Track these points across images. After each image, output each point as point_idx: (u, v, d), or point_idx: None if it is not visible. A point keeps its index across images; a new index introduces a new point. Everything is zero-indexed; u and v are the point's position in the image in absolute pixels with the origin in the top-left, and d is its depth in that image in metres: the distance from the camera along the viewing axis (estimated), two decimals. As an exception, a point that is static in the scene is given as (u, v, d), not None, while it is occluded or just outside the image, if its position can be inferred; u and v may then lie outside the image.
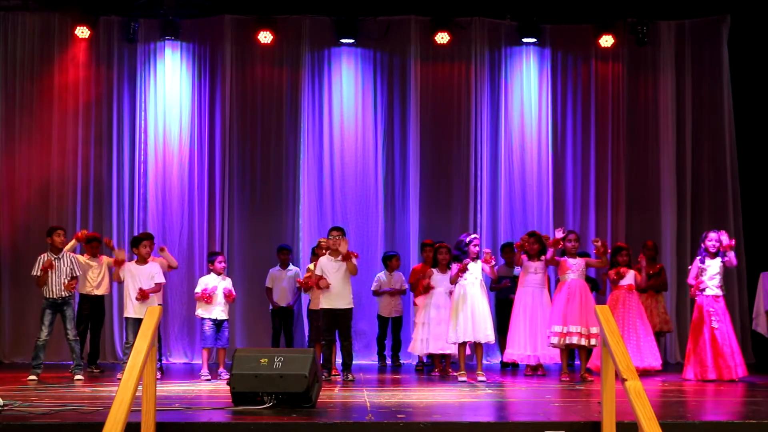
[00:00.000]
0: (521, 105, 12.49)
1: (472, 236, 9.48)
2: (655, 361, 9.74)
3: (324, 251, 9.64)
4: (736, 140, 12.31)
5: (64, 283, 9.26)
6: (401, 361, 11.35)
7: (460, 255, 9.33)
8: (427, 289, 9.87)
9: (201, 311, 9.75)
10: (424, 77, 12.37)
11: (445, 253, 9.76)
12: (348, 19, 12.15)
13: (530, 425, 5.80)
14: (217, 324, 9.65)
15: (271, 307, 11.33)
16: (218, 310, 9.67)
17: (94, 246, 10.64)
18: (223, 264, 9.90)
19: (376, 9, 12.25)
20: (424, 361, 10.78)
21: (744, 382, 9.07)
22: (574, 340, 9.27)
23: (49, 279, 9.22)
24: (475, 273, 9.26)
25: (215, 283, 9.74)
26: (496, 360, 11.42)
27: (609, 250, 9.99)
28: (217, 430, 5.68)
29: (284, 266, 11.37)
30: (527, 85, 12.50)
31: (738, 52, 12.33)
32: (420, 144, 12.29)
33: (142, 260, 9.59)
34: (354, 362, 9.51)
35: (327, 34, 12.30)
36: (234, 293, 9.88)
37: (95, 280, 10.50)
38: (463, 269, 9.19)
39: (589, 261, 9.83)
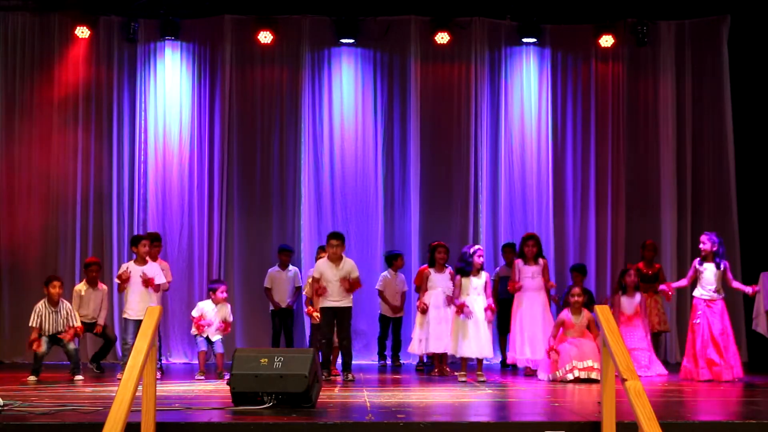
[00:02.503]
0: (521, 105, 12.49)
1: (476, 247, 9.27)
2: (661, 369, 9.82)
3: (324, 253, 9.62)
4: (735, 140, 12.30)
5: (61, 333, 9.16)
6: (401, 361, 11.35)
7: (464, 267, 9.17)
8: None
9: (195, 330, 9.68)
10: (424, 77, 12.36)
11: (443, 252, 9.72)
12: (348, 19, 12.15)
13: (530, 425, 5.79)
14: (210, 341, 9.62)
15: (271, 308, 11.32)
16: (211, 332, 9.57)
17: (92, 272, 10.44)
18: (224, 294, 9.67)
19: (376, 9, 12.25)
20: (425, 360, 10.78)
21: (743, 382, 9.06)
22: (594, 375, 8.82)
23: (44, 328, 9.11)
24: (477, 288, 9.14)
25: (211, 314, 9.57)
26: (496, 360, 11.42)
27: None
28: (217, 430, 5.67)
29: (284, 267, 11.35)
30: (527, 85, 12.49)
31: (738, 52, 12.32)
32: (420, 144, 12.29)
33: (141, 260, 9.46)
34: (354, 362, 9.50)
35: (327, 34, 12.30)
36: (230, 324, 9.74)
37: (95, 311, 10.33)
38: (459, 311, 9.05)
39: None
